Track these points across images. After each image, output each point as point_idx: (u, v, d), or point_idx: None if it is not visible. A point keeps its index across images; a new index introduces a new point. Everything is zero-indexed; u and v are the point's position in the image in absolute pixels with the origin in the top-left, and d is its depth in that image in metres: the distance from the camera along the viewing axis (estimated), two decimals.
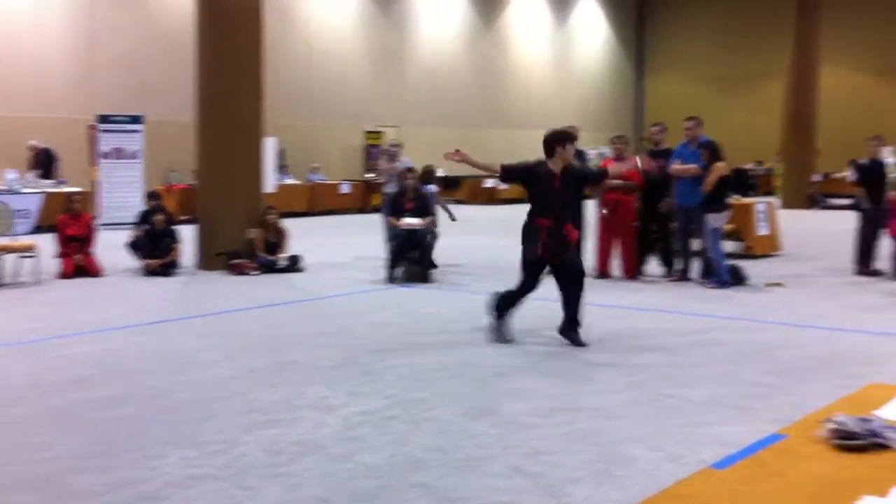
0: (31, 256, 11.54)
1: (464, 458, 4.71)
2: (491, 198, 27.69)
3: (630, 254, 11.49)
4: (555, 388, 6.16)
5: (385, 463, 4.66)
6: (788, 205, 23.79)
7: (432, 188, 13.00)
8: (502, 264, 12.84)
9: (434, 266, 11.55)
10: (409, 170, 11.99)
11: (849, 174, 12.34)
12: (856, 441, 2.32)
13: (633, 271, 11.41)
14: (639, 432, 5.12)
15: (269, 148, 14.19)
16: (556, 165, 7.43)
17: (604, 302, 9.69)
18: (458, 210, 18.70)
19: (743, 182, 25.50)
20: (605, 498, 4.14)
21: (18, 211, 16.27)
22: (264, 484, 4.39)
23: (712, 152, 10.53)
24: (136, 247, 12.31)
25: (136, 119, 19.90)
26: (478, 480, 4.39)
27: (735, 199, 12.75)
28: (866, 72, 31.15)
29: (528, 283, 7.61)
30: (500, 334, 7.65)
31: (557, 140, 7.45)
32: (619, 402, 5.78)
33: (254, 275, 11.92)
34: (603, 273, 11.44)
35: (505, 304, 7.68)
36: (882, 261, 11.54)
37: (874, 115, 28.29)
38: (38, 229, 17.75)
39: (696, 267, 11.14)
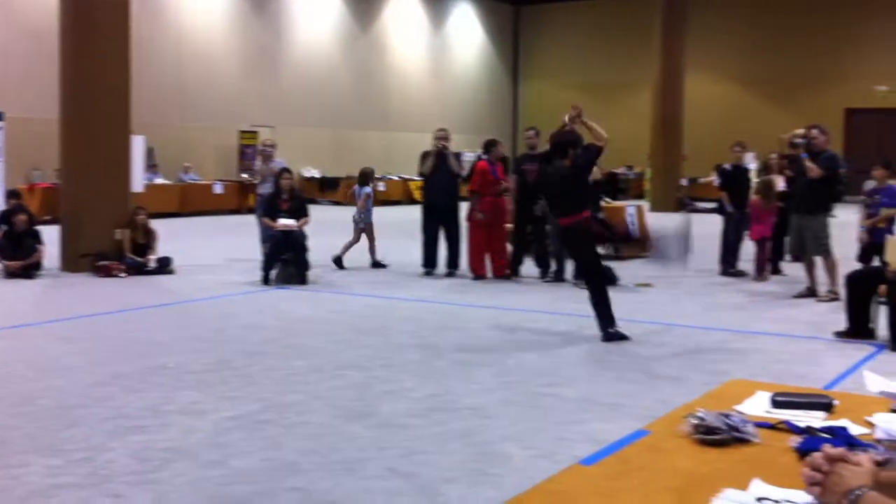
0: None
1: (339, 461, 4.67)
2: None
3: (503, 255, 11.66)
4: (431, 388, 6.17)
5: (258, 468, 4.57)
6: (657, 208, 24.54)
7: (368, 190, 12.93)
8: (387, 266, 12.82)
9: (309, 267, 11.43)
10: (285, 170, 11.83)
11: (713, 179, 12.81)
12: (716, 436, 2.39)
13: (504, 272, 11.57)
14: (513, 431, 5.18)
15: (138, 146, 13.75)
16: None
17: (479, 303, 9.79)
18: (336, 211, 18.56)
19: (614, 186, 26.23)
20: (478, 497, 4.17)
21: None
22: (132, 492, 4.25)
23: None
24: None
25: None
26: (353, 483, 4.36)
27: (606, 203, 13.07)
28: (728, 81, 32.44)
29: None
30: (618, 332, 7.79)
31: (570, 143, 7.93)
32: (494, 401, 5.84)
33: (122, 277, 11.53)
34: (478, 274, 11.55)
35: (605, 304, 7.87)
36: (745, 262, 12.03)
37: (736, 122, 29.46)
38: None
39: (569, 268, 11.37)
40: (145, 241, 12.10)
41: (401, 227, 18.78)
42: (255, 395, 5.96)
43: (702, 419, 2.43)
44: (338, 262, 12.52)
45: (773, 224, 11.58)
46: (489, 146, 11.83)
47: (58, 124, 12.61)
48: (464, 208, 11.97)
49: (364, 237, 12.89)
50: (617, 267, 11.63)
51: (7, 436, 5.08)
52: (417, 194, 25.59)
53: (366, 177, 13.26)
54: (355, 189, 13.41)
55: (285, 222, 11.23)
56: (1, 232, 11.85)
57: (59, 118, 12.51)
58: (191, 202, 23.26)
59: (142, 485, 4.33)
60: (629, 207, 14.46)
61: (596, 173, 10.80)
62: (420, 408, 5.68)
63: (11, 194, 13.31)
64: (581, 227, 7.86)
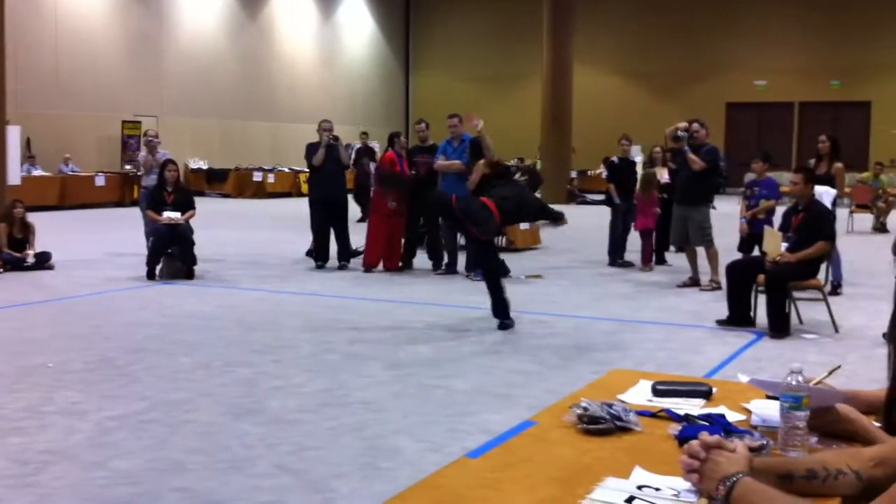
0: None
1: (227, 459, 4.58)
2: (259, 191, 27.23)
3: (396, 246, 11.66)
4: (322, 382, 6.11)
5: (142, 468, 4.45)
6: (548, 200, 24.89)
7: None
8: (268, 259, 12.66)
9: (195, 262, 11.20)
10: (170, 161, 11.54)
11: (601, 171, 13.08)
12: (600, 425, 2.43)
13: (398, 264, 11.57)
14: (405, 424, 5.18)
15: (13, 137, 13.21)
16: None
17: (371, 296, 9.76)
18: (225, 203, 18.22)
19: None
20: (369, 491, 4.15)
21: None
22: (11, 495, 4.08)
23: (476, 150, 10.85)
24: None
25: None
26: (241, 481, 4.28)
27: None
28: (615, 75, 33.16)
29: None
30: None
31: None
32: (385, 394, 5.83)
33: None
34: (372, 266, 11.51)
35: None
36: (632, 253, 12.31)
37: (623, 116, 30.13)
38: None
39: (461, 260, 11.44)
40: (23, 236, 11.63)
41: (289, 219, 18.58)
42: (140, 393, 5.80)
43: (585, 409, 2.47)
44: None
45: (656, 215, 11.89)
46: (394, 137, 11.83)
47: None
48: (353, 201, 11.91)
49: None
50: (508, 259, 11.76)
51: None
52: (306, 187, 25.36)
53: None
54: None
55: (170, 215, 10.96)
56: None
57: None
58: (71, 195, 22.49)
59: (21, 488, 4.17)
60: None
61: (485, 167, 10.88)
62: (311, 403, 5.62)
63: None
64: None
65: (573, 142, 26.82)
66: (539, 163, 27.50)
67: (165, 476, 4.35)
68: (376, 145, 22.45)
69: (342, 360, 6.81)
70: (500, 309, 7.96)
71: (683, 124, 10.35)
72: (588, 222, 14.33)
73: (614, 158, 12.80)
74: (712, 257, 10.24)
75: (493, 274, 8.10)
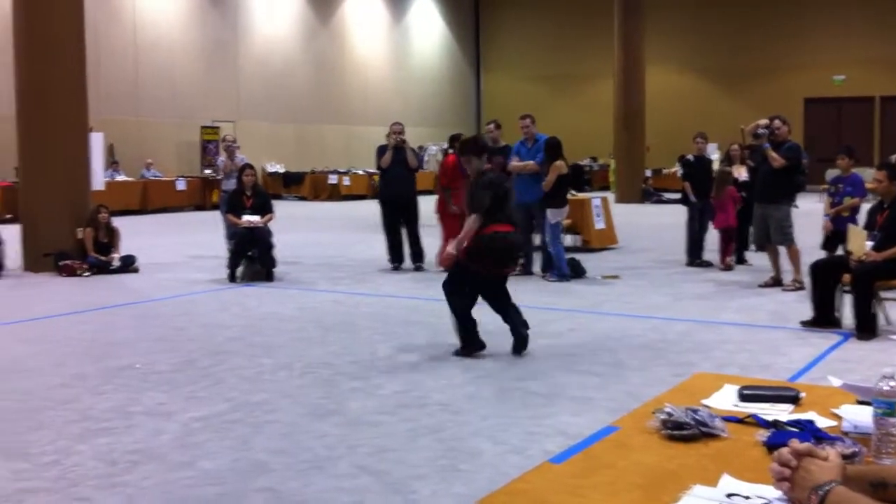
0: None
1: (309, 460, 4.64)
2: (334, 193, 27.55)
3: None
4: (400, 384, 6.16)
5: (227, 468, 4.54)
6: (622, 199, 24.69)
7: None
8: (344, 261, 12.80)
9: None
10: (248, 166, 11.75)
11: (677, 170, 12.90)
12: (684, 431, 2.40)
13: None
14: (483, 426, 5.18)
15: (97, 144, 13.59)
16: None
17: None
18: (301, 206, 18.49)
19: (579, 178, 26.31)
20: (449, 492, 4.17)
21: None
22: (100, 495, 4.20)
23: (553, 149, 10.81)
24: None
25: None
26: (323, 482, 4.34)
27: (572, 195, 13.12)
28: (688, 72, 32.69)
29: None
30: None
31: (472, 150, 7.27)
32: (463, 396, 5.84)
33: (85, 276, 11.41)
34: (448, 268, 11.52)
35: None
36: (711, 252, 12.13)
37: (697, 113, 29.73)
38: None
39: (537, 261, 11.40)
40: (108, 240, 11.97)
41: (363, 221, 18.75)
42: (223, 394, 5.92)
43: (669, 414, 2.44)
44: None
45: (735, 213, 11.69)
46: (456, 140, 11.84)
47: (13, 121, 12.44)
48: (425, 202, 11.97)
49: None
50: (584, 259, 11.70)
51: None
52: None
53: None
54: None
55: (249, 219, 11.16)
56: None
57: (16, 116, 12.34)
58: (153, 199, 23.08)
59: (110, 488, 4.29)
60: (594, 199, 14.53)
61: (562, 166, 10.84)
62: (389, 404, 5.67)
63: None
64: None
65: (647, 140, 26.52)
66: (612, 162, 27.29)
67: (249, 476, 4.43)
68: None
69: (419, 362, 6.85)
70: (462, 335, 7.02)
71: (764, 121, 10.15)
72: (664, 221, 14.18)
73: (689, 157, 12.63)
74: (794, 256, 10.03)
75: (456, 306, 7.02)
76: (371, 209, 19.81)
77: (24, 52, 12.10)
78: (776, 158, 9.81)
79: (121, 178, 22.80)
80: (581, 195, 15.31)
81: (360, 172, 28.63)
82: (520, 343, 6.97)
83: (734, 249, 11.95)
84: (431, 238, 12.28)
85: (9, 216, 16.68)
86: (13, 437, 5.07)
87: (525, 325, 7.02)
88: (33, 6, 12.02)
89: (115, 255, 11.84)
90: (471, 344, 6.97)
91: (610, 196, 18.56)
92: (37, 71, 11.98)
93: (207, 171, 25.12)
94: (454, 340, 7.55)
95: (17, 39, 12.18)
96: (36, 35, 11.98)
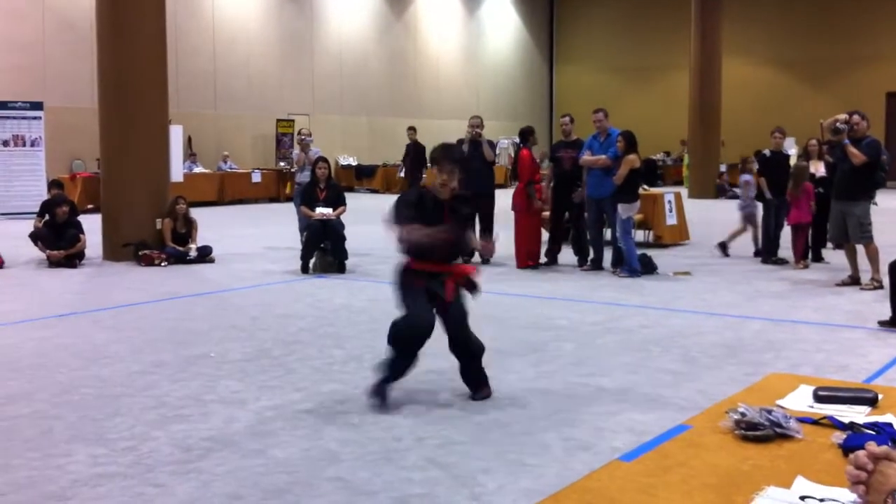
0: None
1: (378, 451, 4.69)
2: (406, 186, 27.65)
3: (538, 244, 11.64)
4: None
5: (298, 457, 4.62)
6: (696, 195, 24.34)
7: (747, 177, 12.50)
8: None
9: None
10: (321, 159, 11.89)
11: (753, 165, 12.67)
12: (758, 431, 2.37)
13: (537, 262, 11.52)
14: (551, 421, 5.17)
15: (176, 136, 13.89)
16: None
17: (515, 291, 9.78)
18: (373, 199, 18.63)
19: (652, 172, 26.02)
20: (516, 487, 4.17)
21: None
22: (175, 481, 4.31)
23: (628, 143, 10.70)
24: (38, 238, 11.94)
25: (35, 105, 19.27)
26: (392, 473, 4.38)
27: (644, 190, 12.99)
28: (765, 65, 32.04)
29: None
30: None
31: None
32: (531, 390, 5.84)
33: (163, 266, 11.67)
34: (526, 265, 11.49)
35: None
36: (786, 250, 11.90)
37: (774, 107, 29.14)
38: None
39: (608, 256, 11.32)
40: (185, 230, 12.23)
41: None
42: (294, 384, 6.01)
43: (743, 414, 2.42)
44: (723, 247, 12.64)
45: (811, 210, 11.45)
46: (528, 134, 11.80)
47: (96, 114, 12.78)
48: (501, 196, 11.95)
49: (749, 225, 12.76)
50: (656, 255, 11.57)
51: (52, 425, 5.17)
52: None
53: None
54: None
55: (323, 211, 11.29)
56: (44, 221, 12.03)
57: (98, 108, 12.67)
58: (229, 191, 23.48)
59: (184, 474, 4.39)
60: (667, 195, 14.36)
61: (634, 160, 10.74)
62: (458, 397, 5.69)
63: (53, 184, 13.50)
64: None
65: (722, 134, 26.08)
66: (687, 157, 26.89)
67: (320, 465, 4.49)
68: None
69: (488, 356, 6.83)
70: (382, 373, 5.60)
71: (843, 116, 9.91)
72: (738, 217, 13.86)
73: (766, 152, 12.40)
74: (872, 255, 9.78)
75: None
76: None
77: (106, 47, 12.41)
78: (856, 154, 9.57)
79: (198, 170, 23.24)
80: (653, 190, 15.13)
81: (430, 166, 28.71)
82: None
83: (808, 246, 11.69)
84: (503, 232, 12.26)
85: (91, 206, 17.15)
86: (92, 422, 5.22)
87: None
88: (116, 3, 12.31)
89: (193, 246, 12.09)
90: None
91: (683, 191, 18.32)
92: (119, 65, 12.28)
93: (282, 164, 25.47)
94: (523, 335, 7.55)
95: (100, 34, 12.51)
96: (118, 30, 12.28)
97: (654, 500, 2.05)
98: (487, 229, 11.95)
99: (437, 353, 6.93)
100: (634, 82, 34.58)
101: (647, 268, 10.95)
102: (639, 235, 12.92)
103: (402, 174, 19.37)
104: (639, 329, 7.78)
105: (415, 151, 19.95)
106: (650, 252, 11.71)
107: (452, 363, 6.59)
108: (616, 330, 7.76)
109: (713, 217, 18.39)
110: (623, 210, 10.70)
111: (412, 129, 20.77)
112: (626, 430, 4.93)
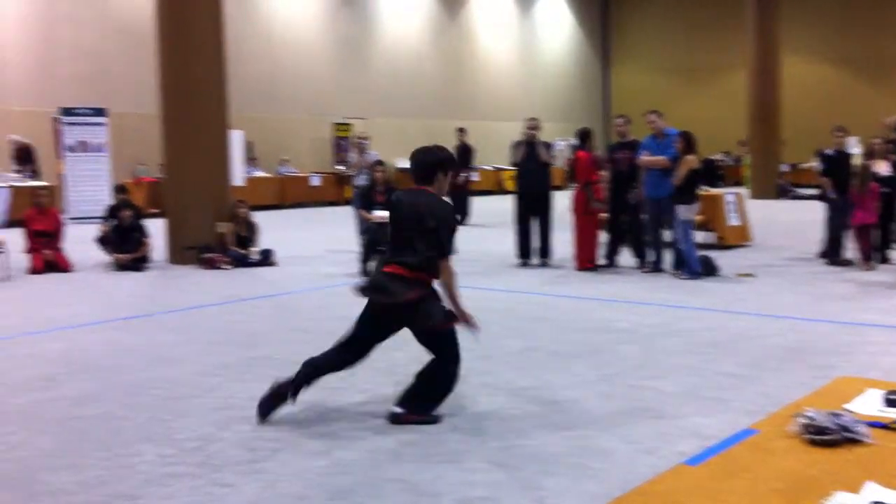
0: None
1: (441, 453, 4.72)
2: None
3: (593, 244, 11.58)
4: (529, 380, 6.19)
5: (362, 458, 4.66)
6: (757, 195, 24.00)
7: None
8: (473, 256, 12.88)
9: None
10: (379, 162, 11.97)
11: (815, 165, 12.46)
12: (826, 436, 2.35)
13: (594, 264, 11.47)
14: (614, 424, 5.15)
15: (236, 141, 14.11)
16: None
17: (575, 294, 9.75)
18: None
19: (712, 173, 25.73)
20: (581, 491, 4.17)
21: None
22: (242, 481, 4.38)
23: (687, 143, 10.61)
24: (104, 241, 12.22)
25: (99, 112, 19.72)
26: (455, 475, 4.41)
27: (704, 191, 12.85)
28: (825, 63, 31.47)
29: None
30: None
31: (438, 164, 5.43)
32: (593, 393, 5.82)
33: (225, 269, 11.86)
34: (585, 267, 11.44)
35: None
36: (850, 250, 11.69)
37: (835, 105, 28.63)
38: (7, 224, 17.59)
39: (668, 258, 11.23)
40: (247, 234, 12.41)
41: (492, 216, 18.83)
42: (357, 386, 6.06)
43: (811, 419, 2.40)
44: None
45: (876, 210, 11.23)
46: (586, 135, 11.76)
47: (158, 120, 13.04)
48: (558, 198, 11.92)
49: None
50: (717, 256, 11.45)
51: (121, 425, 5.29)
52: (509, 184, 25.57)
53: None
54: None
55: (381, 214, 11.35)
56: (110, 226, 12.30)
57: (159, 114, 12.92)
58: (289, 194, 23.76)
59: (251, 474, 4.46)
60: (728, 195, 14.19)
61: (694, 161, 10.64)
62: (519, 400, 5.70)
63: (118, 189, 13.78)
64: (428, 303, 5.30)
65: (782, 134, 25.68)
66: (748, 157, 26.51)
67: (383, 467, 4.54)
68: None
69: (548, 359, 6.86)
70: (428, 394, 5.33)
71: None
72: (801, 218, 13.72)
73: (829, 151, 12.18)
74: None
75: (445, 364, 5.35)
76: (498, 204, 19.84)
77: (167, 55, 12.66)
78: None
79: (258, 173, 23.55)
80: (714, 191, 14.96)
81: (488, 168, 28.71)
82: None
83: (873, 247, 11.46)
84: (561, 233, 12.25)
85: (155, 211, 17.49)
86: (160, 423, 5.33)
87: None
88: (176, 10, 12.55)
89: (254, 249, 12.26)
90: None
91: (744, 191, 18.08)
92: (180, 72, 12.51)
93: (339, 167, 25.70)
94: (583, 338, 7.52)
95: (161, 43, 12.76)
96: (178, 37, 12.52)
97: None
98: (544, 230, 11.94)
99: (497, 358, 6.96)
100: (691, 82, 34.22)
101: (709, 269, 10.84)
102: (700, 237, 12.80)
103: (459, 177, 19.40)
104: (701, 331, 7.70)
105: (461, 152, 19.87)
106: (712, 253, 11.58)
107: (513, 369, 6.61)
108: (678, 332, 7.70)
109: (776, 218, 18.13)
110: (683, 211, 10.60)
111: (461, 130, 20.68)
112: (690, 433, 4.90)
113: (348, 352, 5.39)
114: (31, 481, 4.41)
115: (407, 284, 5.18)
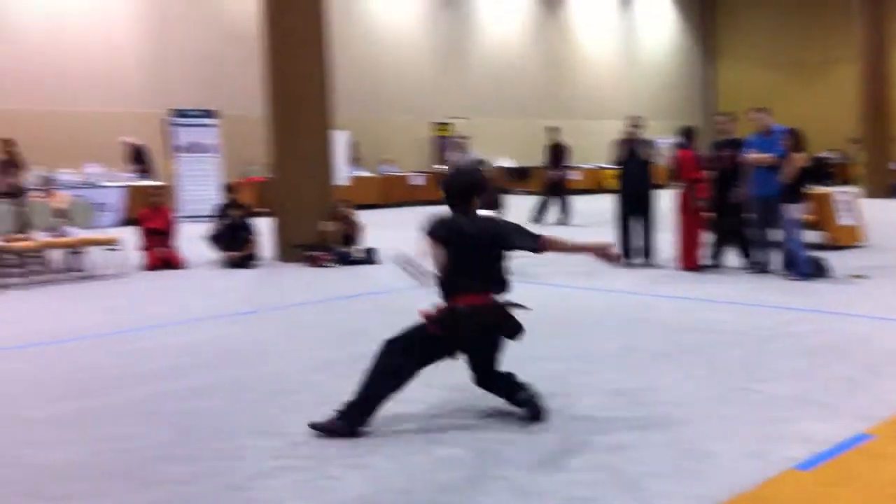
0: (115, 249, 11.87)
1: (546, 453, 4.72)
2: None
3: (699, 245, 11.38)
4: (631, 381, 6.13)
5: (466, 455, 4.70)
6: (869, 194, 23.20)
7: None
8: (573, 255, 12.80)
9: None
10: (479, 162, 12.01)
11: None
12: None
13: (690, 263, 11.26)
14: (720, 428, 5.06)
15: (340, 141, 14.36)
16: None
17: (678, 294, 9.61)
18: (530, 201, 18.68)
19: (821, 171, 24.97)
20: (685, 493, 4.11)
21: (99, 205, 16.75)
22: (348, 474, 4.46)
23: (795, 140, 10.33)
24: (214, 239, 12.58)
25: (209, 113, 20.30)
26: (558, 475, 4.40)
27: (813, 189, 12.48)
28: None
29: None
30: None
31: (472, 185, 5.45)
32: (698, 396, 5.73)
33: (330, 267, 12.08)
34: (688, 267, 11.26)
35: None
36: None
37: None
38: (122, 223, 18.28)
39: (776, 258, 10.96)
40: (351, 232, 12.61)
41: (592, 215, 18.67)
42: (459, 384, 6.08)
43: None
44: None
45: None
46: (689, 134, 11.57)
47: (266, 122, 13.37)
48: (660, 197, 11.76)
49: None
50: (828, 257, 11.12)
51: (232, 419, 5.45)
52: (610, 183, 25.33)
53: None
54: None
55: (482, 214, 11.38)
56: (220, 224, 12.67)
57: (268, 117, 13.23)
58: (391, 193, 24.03)
59: (357, 468, 4.54)
60: (839, 194, 13.76)
61: (803, 159, 10.35)
62: (621, 401, 5.66)
63: (227, 188, 14.18)
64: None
65: (894, 131, 24.74)
66: (861, 155, 25.62)
67: (487, 464, 4.56)
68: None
69: (650, 359, 6.78)
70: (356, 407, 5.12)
71: None
72: None
73: None
74: None
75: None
76: (599, 203, 19.64)
77: (273, 57, 12.96)
78: None
79: (361, 173, 23.89)
80: (824, 189, 14.52)
81: (588, 167, 28.49)
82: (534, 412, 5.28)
83: None
84: (664, 234, 12.08)
85: (263, 210, 17.92)
86: (270, 416, 5.47)
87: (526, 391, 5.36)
88: (280, 14, 12.84)
89: (358, 247, 12.45)
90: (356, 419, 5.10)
91: (857, 190, 17.49)
92: (285, 75, 12.80)
93: (439, 167, 25.85)
94: (688, 339, 7.41)
95: (266, 46, 13.07)
96: (283, 42, 12.81)
97: None
98: (647, 230, 11.79)
99: (598, 358, 6.91)
100: (798, 77, 33.28)
101: (819, 270, 10.53)
102: (811, 236, 12.44)
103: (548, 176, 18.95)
104: (811, 334, 7.50)
105: (554, 151, 19.54)
106: (823, 254, 11.25)
107: (615, 370, 6.56)
108: (786, 335, 7.51)
109: (890, 218, 17.49)
110: (791, 210, 10.33)
111: (553, 130, 20.12)
112: (800, 438, 4.77)
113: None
114: (147, 471, 4.58)
115: (502, 307, 5.32)
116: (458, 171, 5.52)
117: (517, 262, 11.37)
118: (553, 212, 18.06)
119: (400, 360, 5.12)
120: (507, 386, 5.35)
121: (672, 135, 12.47)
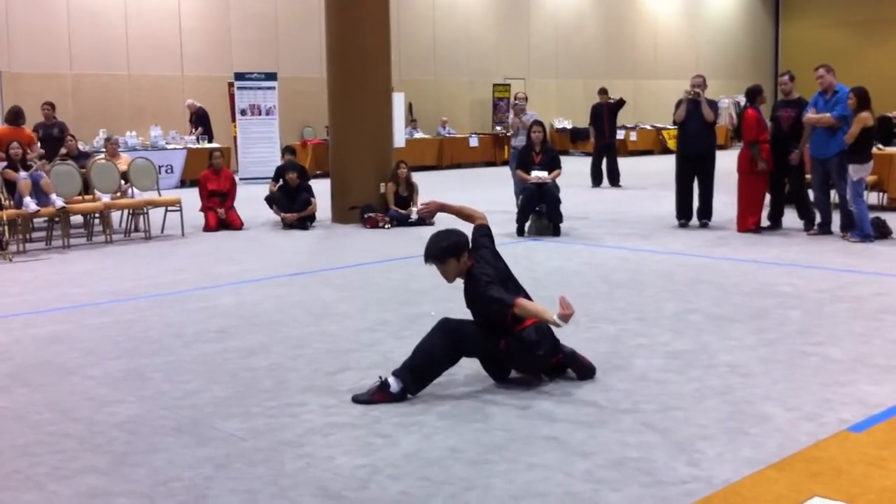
0: (176, 210, 12.08)
1: (594, 413, 4.74)
2: (621, 149, 27.26)
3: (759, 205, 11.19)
4: (686, 343, 6.10)
5: (515, 416, 4.73)
6: None
7: None
8: (631, 217, 12.71)
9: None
10: (536, 123, 11.93)
11: None
12: None
13: (749, 224, 11.08)
14: (774, 390, 5.03)
15: (398, 103, 14.36)
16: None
17: (736, 256, 9.49)
18: (588, 162, 18.51)
19: (887, 131, 24.30)
20: (736, 455, 4.10)
21: (162, 167, 17.03)
22: (399, 433, 4.53)
23: (860, 100, 10.08)
24: (273, 201, 12.72)
25: (270, 76, 20.42)
26: (608, 436, 4.42)
27: (879, 149, 12.20)
28: None
29: None
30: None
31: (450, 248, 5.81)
32: (753, 358, 5.69)
33: (386, 228, 12.16)
34: (747, 228, 11.10)
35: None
36: None
37: None
38: (183, 184, 18.58)
39: (836, 219, 10.75)
40: (407, 194, 12.66)
41: (651, 176, 18.47)
42: None
43: None
44: None
45: None
46: (755, 93, 11.32)
47: (325, 83, 13.41)
48: (721, 157, 11.57)
49: None
50: (891, 219, 10.88)
51: (287, 377, 5.55)
52: (670, 143, 24.98)
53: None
54: None
55: (538, 175, 11.35)
56: (277, 186, 12.80)
57: (326, 78, 13.28)
58: (448, 155, 24.00)
59: (408, 426, 4.60)
60: None
61: (868, 118, 10.10)
62: (675, 363, 5.63)
63: (286, 150, 14.31)
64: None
65: None
66: None
67: (536, 425, 4.59)
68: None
69: (706, 322, 6.73)
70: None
71: None
72: None
73: None
74: None
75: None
76: (658, 165, 19.45)
77: (333, 19, 12.98)
78: None
79: (419, 135, 23.90)
80: (889, 149, 14.15)
81: (648, 127, 28.12)
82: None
83: None
84: (722, 195, 11.92)
85: (320, 172, 18.07)
86: (324, 375, 5.56)
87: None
88: None
89: (414, 209, 12.50)
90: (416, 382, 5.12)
91: None
92: (345, 36, 12.81)
93: (498, 128, 25.75)
94: (745, 301, 7.33)
95: (327, 6, 13.09)
96: (345, 4, 12.80)
97: (884, 472, 1.99)
98: (706, 191, 11.65)
99: (654, 320, 6.87)
100: (867, 36, 32.32)
101: (882, 232, 10.32)
102: (872, 198, 12.17)
103: (593, 138, 18.25)
104: (872, 297, 7.36)
105: (597, 113, 18.62)
106: (885, 216, 11.01)
107: (670, 331, 6.52)
108: (846, 298, 7.39)
109: None
110: (854, 171, 10.11)
111: (602, 91, 19.27)
112: (855, 401, 4.72)
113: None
114: (205, 427, 4.69)
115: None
116: (438, 235, 5.80)
117: (568, 223, 11.28)
118: (604, 173, 17.77)
119: (446, 344, 5.20)
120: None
121: (735, 94, 12.24)
